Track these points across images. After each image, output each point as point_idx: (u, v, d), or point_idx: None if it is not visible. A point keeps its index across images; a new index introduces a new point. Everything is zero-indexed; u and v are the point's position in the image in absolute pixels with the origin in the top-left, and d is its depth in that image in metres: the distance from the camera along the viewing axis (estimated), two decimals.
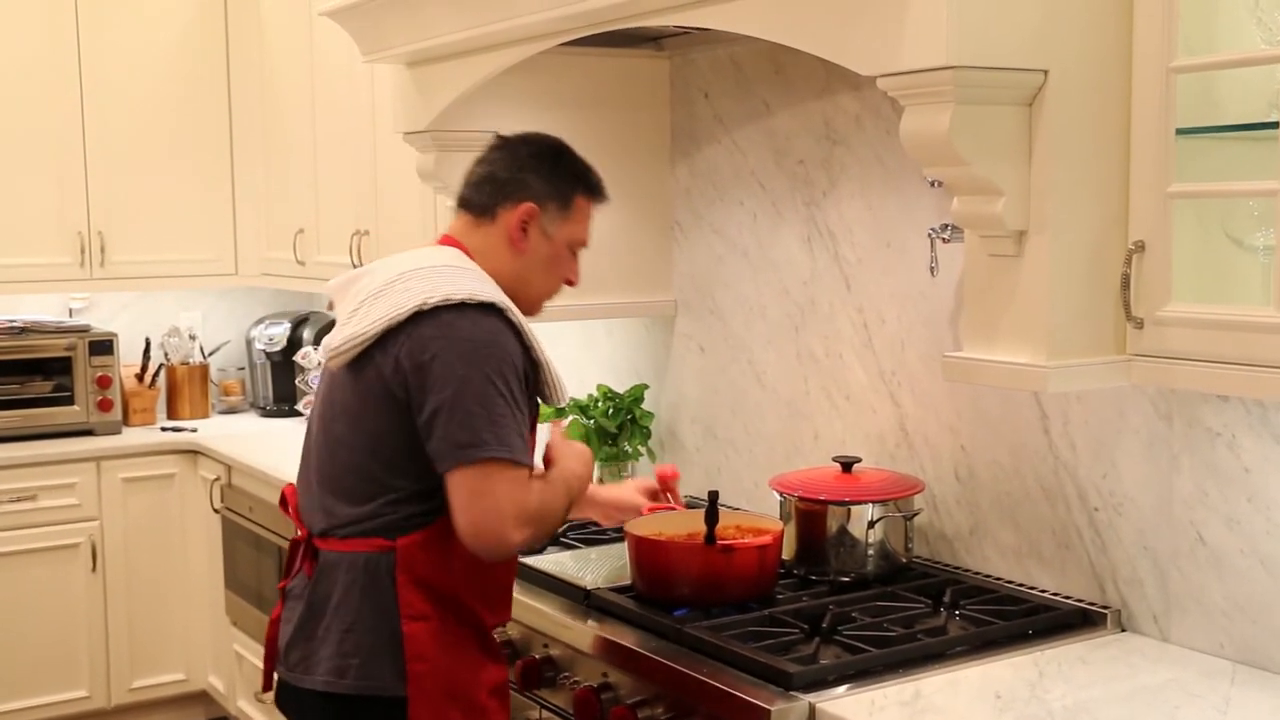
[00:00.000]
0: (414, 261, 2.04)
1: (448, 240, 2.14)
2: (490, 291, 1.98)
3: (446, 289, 1.94)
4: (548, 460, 2.11)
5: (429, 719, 1.98)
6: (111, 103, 4.45)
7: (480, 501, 1.89)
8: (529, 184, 2.11)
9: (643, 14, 2.29)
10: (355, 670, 1.99)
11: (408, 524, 1.98)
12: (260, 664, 3.89)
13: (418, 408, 1.93)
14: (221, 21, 4.61)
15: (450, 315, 1.92)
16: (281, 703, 2.13)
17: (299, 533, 2.12)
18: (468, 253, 2.10)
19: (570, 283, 2.20)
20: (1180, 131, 1.80)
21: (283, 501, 2.20)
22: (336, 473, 2.05)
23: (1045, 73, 1.80)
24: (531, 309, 2.15)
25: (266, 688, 2.17)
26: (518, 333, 1.98)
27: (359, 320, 1.99)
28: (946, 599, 2.28)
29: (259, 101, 4.54)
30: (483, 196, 2.12)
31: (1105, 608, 2.21)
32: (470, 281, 1.97)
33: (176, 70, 4.56)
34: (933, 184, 2.38)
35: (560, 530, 2.21)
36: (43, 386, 4.38)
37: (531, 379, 2.01)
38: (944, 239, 2.33)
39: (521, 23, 2.47)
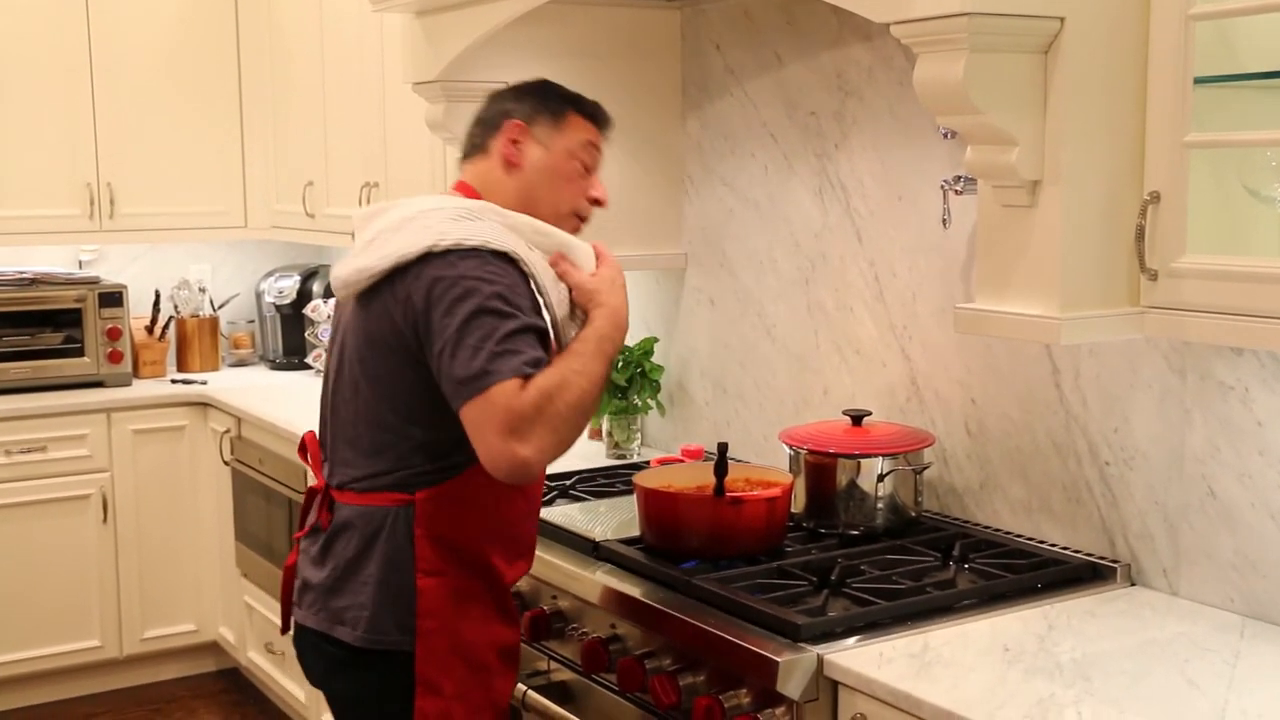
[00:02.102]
0: (437, 202, 2.03)
1: (459, 188, 2.13)
2: (507, 241, 1.95)
3: (460, 233, 1.91)
4: (578, 302, 2.03)
5: (434, 674, 1.99)
6: (120, 54, 4.43)
7: (483, 433, 1.84)
8: (513, 108, 2.11)
9: None
10: (366, 623, 1.99)
11: (426, 478, 1.97)
12: (271, 614, 3.94)
13: (428, 350, 1.91)
14: None
15: (459, 258, 1.90)
16: (299, 645, 2.15)
17: (316, 482, 2.12)
18: (472, 193, 2.09)
19: (597, 202, 2.15)
20: (1198, 80, 1.77)
21: (302, 448, 2.20)
22: (351, 421, 2.04)
23: (1061, 20, 1.78)
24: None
25: (285, 629, 2.18)
26: (528, 280, 1.96)
27: (372, 253, 1.97)
28: (956, 552, 2.27)
29: (268, 53, 4.51)
30: (474, 139, 2.14)
31: (1115, 562, 2.20)
32: (488, 231, 1.95)
33: (185, 22, 4.54)
34: (946, 135, 2.36)
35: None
36: (53, 338, 4.39)
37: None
38: (956, 191, 2.31)
39: None
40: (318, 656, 2.10)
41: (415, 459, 1.97)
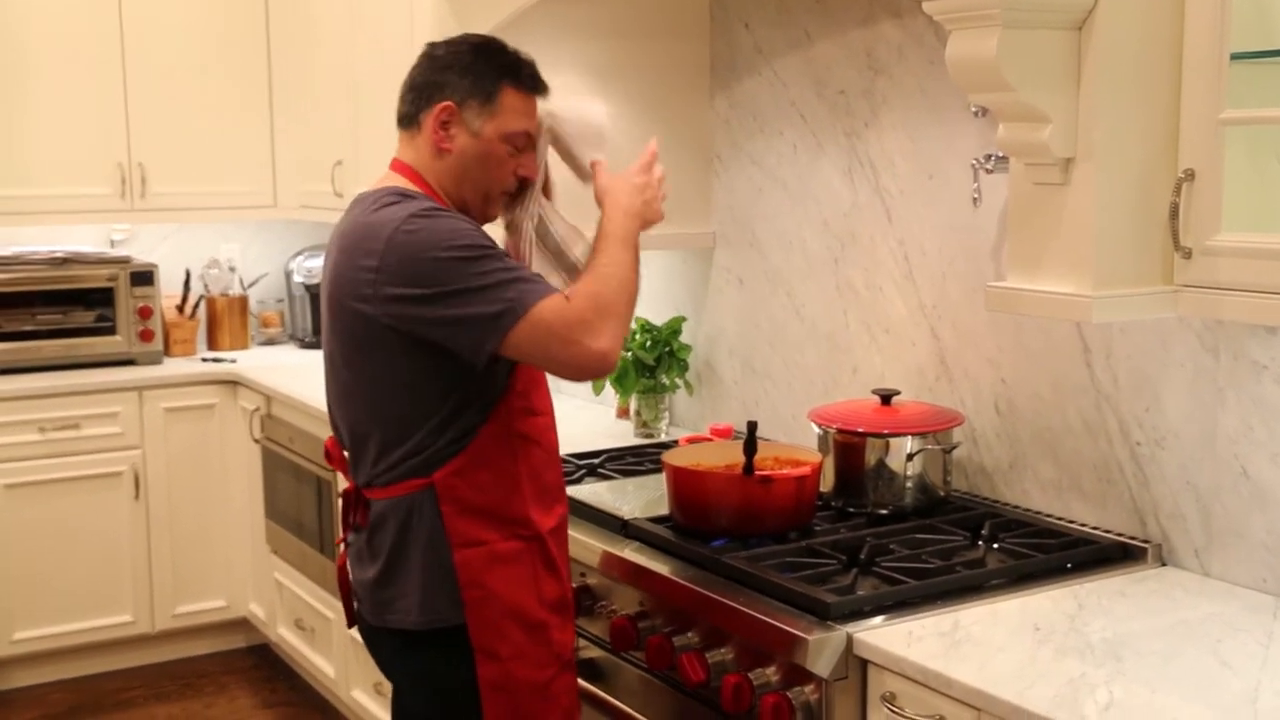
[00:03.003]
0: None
1: (393, 165, 2.10)
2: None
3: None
4: (598, 200, 2.08)
5: (488, 640, 2.01)
6: (151, 34, 4.44)
7: (544, 347, 1.89)
8: (446, 83, 2.04)
9: None
10: (419, 606, 2.01)
11: (440, 457, 1.99)
12: (300, 590, 3.97)
13: (429, 323, 1.91)
14: None
15: (401, 236, 1.91)
16: (369, 644, 2.18)
17: (348, 484, 2.13)
18: (409, 171, 2.06)
19: (526, 178, 2.10)
20: (1234, 56, 1.75)
21: (328, 455, 2.20)
22: (355, 422, 2.06)
23: None
24: (481, 215, 2.09)
25: (350, 624, 2.21)
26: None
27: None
28: (985, 532, 2.27)
29: (297, 33, 4.51)
30: (406, 106, 2.08)
31: (1146, 542, 2.19)
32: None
33: (216, 2, 4.54)
34: (976, 113, 2.35)
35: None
36: (85, 317, 4.42)
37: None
38: (987, 169, 2.29)
39: None
40: (381, 648, 2.14)
41: (427, 440, 1.98)
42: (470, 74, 2.03)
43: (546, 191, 2.15)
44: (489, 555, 2.01)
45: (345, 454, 2.14)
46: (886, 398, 2.47)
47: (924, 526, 2.31)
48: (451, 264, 1.88)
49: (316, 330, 4.82)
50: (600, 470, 2.80)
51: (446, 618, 2.01)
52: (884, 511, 2.38)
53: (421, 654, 2.05)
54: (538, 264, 2.10)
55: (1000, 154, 2.12)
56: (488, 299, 1.87)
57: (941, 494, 2.42)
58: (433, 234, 1.91)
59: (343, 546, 2.18)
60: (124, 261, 4.50)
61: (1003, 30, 1.72)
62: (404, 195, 2.00)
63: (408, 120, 2.09)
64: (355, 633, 2.21)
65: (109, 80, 4.40)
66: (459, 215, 1.99)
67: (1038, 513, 2.38)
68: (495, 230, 2.08)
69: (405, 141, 2.10)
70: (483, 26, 2.81)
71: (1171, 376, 2.14)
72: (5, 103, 4.26)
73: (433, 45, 2.11)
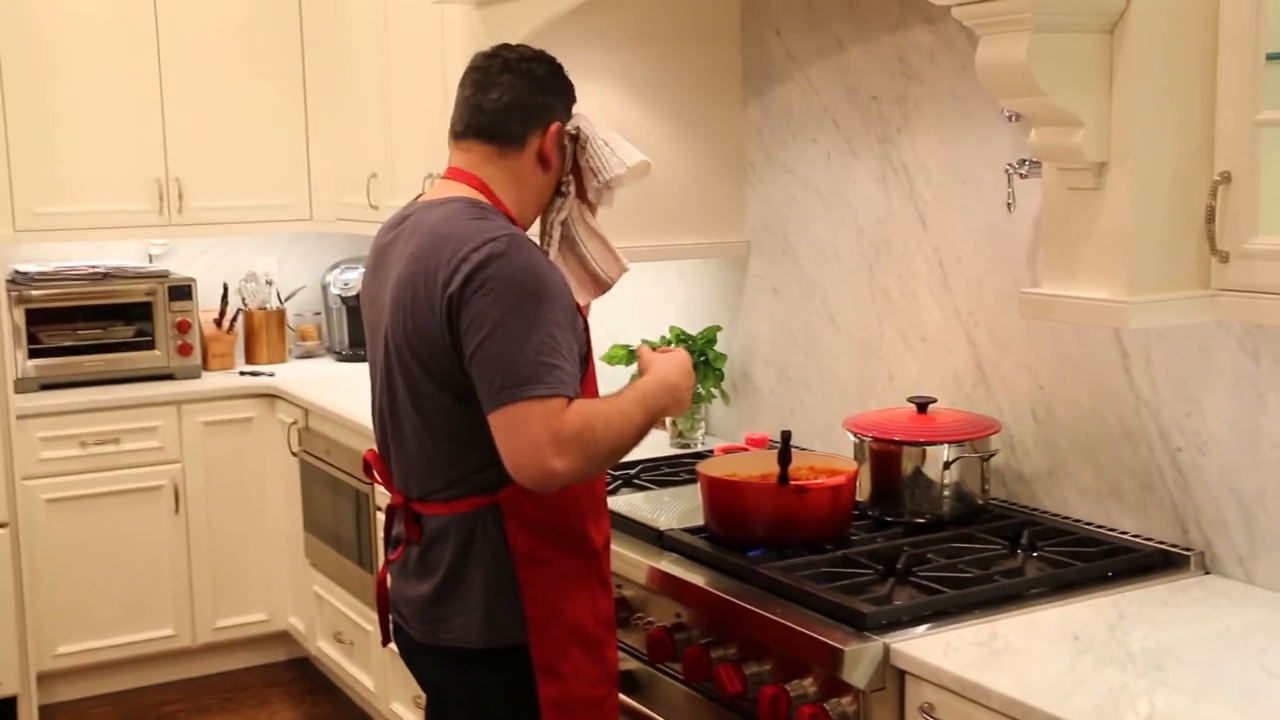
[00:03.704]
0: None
1: (459, 175, 2.07)
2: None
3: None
4: (640, 371, 2.09)
5: (550, 659, 2.00)
6: (187, 51, 4.49)
7: (513, 438, 1.85)
8: (552, 104, 2.08)
9: None
10: (481, 624, 2.00)
11: (506, 476, 1.93)
12: (339, 603, 4.00)
13: (457, 331, 1.91)
14: None
15: (487, 269, 1.89)
16: (412, 661, 2.16)
17: (394, 499, 2.12)
18: (483, 186, 2.05)
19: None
20: (1270, 57, 1.74)
21: (367, 468, 2.18)
22: (415, 437, 2.03)
23: None
24: (528, 223, 2.13)
25: (385, 641, 2.20)
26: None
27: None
28: (1024, 540, 2.25)
29: (331, 47, 4.56)
30: (513, 125, 2.05)
31: (1188, 550, 2.17)
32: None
33: (250, 18, 4.59)
34: (1010, 118, 2.34)
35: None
36: (124, 331, 4.47)
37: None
38: (1021, 174, 2.28)
39: None
40: (432, 666, 2.11)
41: (495, 456, 1.91)
42: (564, 95, 2.11)
43: (580, 194, 2.16)
44: (552, 573, 2.01)
45: (387, 467, 2.13)
46: (923, 405, 2.46)
47: (962, 535, 2.30)
48: (529, 306, 1.87)
49: (353, 343, 4.85)
50: (636, 481, 2.81)
51: (508, 636, 2.00)
52: (921, 520, 2.37)
53: (478, 673, 2.03)
54: (562, 266, 2.11)
55: (1034, 159, 2.11)
56: (502, 367, 1.85)
57: (979, 502, 2.41)
58: (531, 268, 1.90)
59: (386, 561, 2.16)
60: (162, 276, 4.55)
61: (1033, 34, 1.71)
62: (486, 210, 2.00)
63: (510, 138, 2.05)
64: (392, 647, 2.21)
65: (146, 96, 4.45)
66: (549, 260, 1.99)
67: (1077, 520, 2.36)
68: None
69: (486, 156, 2.06)
70: (514, 37, 2.83)
71: (1211, 381, 2.12)
72: (44, 121, 4.32)
73: (505, 59, 2.08)
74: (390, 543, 2.15)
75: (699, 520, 2.39)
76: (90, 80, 4.37)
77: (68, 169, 4.36)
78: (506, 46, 2.11)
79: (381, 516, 2.19)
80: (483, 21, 2.96)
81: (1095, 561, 2.16)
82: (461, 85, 2.10)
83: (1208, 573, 2.15)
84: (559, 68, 2.12)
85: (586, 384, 2.01)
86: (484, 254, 1.88)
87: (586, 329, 2.05)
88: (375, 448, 2.17)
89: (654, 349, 2.15)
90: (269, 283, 4.91)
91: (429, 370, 1.96)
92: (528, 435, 1.84)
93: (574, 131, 2.10)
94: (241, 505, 4.44)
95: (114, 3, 4.38)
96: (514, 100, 2.05)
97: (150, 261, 4.81)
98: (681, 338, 3.23)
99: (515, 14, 2.82)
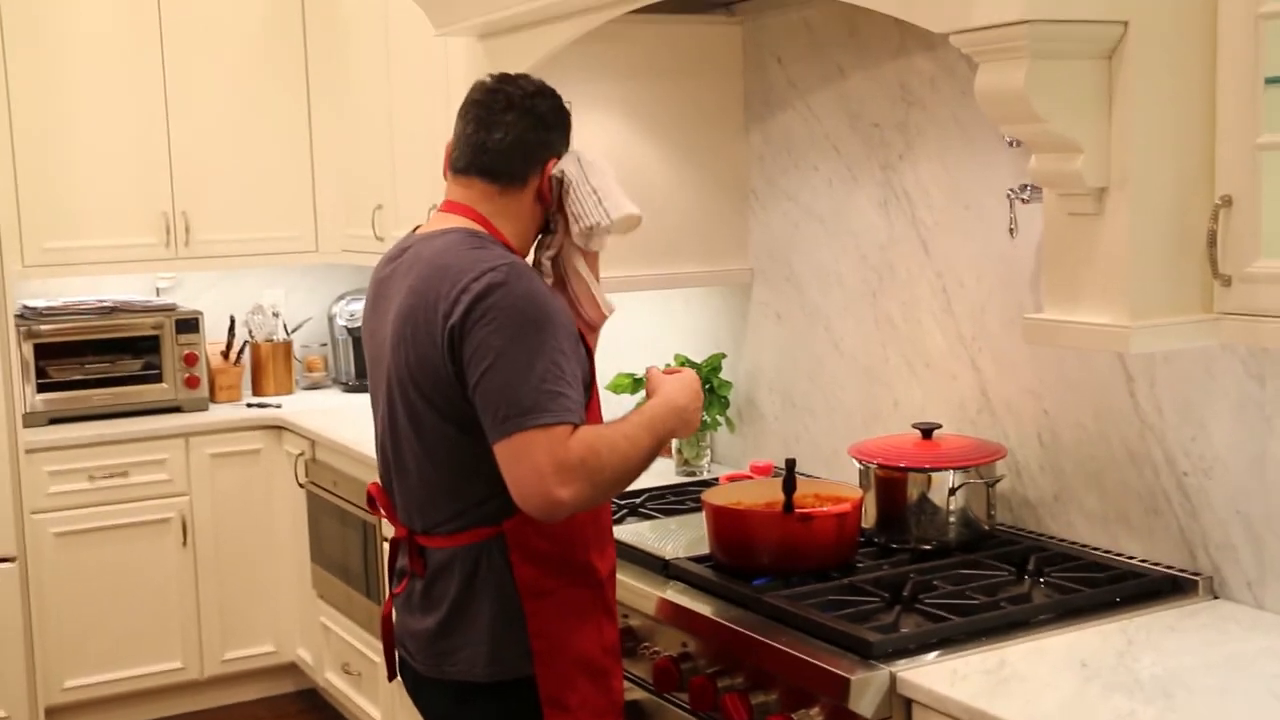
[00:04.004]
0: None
1: (456, 209, 2.07)
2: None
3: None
4: (648, 394, 2.08)
5: (557, 691, 1.99)
6: (192, 84, 4.52)
7: (518, 466, 1.85)
8: (552, 141, 2.07)
9: None
10: (487, 657, 1.99)
11: (512, 504, 1.92)
12: (347, 635, 3.98)
13: (460, 359, 1.90)
14: (299, 1, 4.66)
15: (499, 286, 1.89)
16: (418, 695, 2.15)
17: (397, 531, 2.11)
18: (482, 219, 2.04)
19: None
20: (1269, 80, 1.74)
21: (370, 501, 2.18)
22: (418, 468, 2.02)
23: (1125, 24, 1.75)
24: (526, 251, 2.13)
25: (391, 676, 2.20)
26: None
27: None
28: (1030, 566, 2.24)
29: (335, 80, 4.58)
30: (516, 164, 2.04)
31: (1196, 574, 2.16)
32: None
33: (255, 52, 4.62)
34: (1010, 143, 2.34)
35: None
36: (132, 365, 4.49)
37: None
38: (1023, 200, 2.29)
39: None
40: (438, 701, 2.10)
41: (499, 486, 1.91)
42: (563, 129, 2.10)
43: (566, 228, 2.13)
44: (558, 604, 2.00)
45: (391, 500, 2.12)
46: (928, 431, 2.46)
47: (968, 562, 2.29)
48: (531, 334, 1.87)
49: (360, 374, 4.86)
50: (642, 509, 2.80)
51: (515, 669, 1.99)
52: (927, 547, 2.36)
53: (485, 706, 2.02)
54: None
55: (1035, 184, 2.11)
56: (504, 396, 1.85)
57: (985, 528, 2.40)
58: (532, 296, 1.90)
59: (390, 596, 2.16)
60: (169, 309, 4.57)
61: (1031, 61, 1.72)
62: (484, 239, 2.00)
63: (512, 178, 2.05)
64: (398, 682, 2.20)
65: (152, 131, 4.48)
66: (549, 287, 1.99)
67: (1084, 545, 2.35)
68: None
69: (486, 194, 2.06)
70: (517, 68, 2.82)
71: (1217, 404, 2.11)
72: (52, 157, 4.35)
73: (508, 95, 2.06)
74: (395, 576, 2.15)
75: (705, 549, 2.38)
76: (97, 116, 4.40)
77: (75, 204, 4.39)
78: (508, 79, 2.10)
79: (388, 548, 2.18)
80: (486, 53, 2.97)
81: (1103, 587, 2.15)
82: (463, 117, 2.08)
83: (1216, 598, 2.14)
84: (560, 101, 2.11)
85: (590, 410, 2.00)
86: (484, 284, 1.88)
87: (590, 355, 2.05)
88: (379, 480, 2.17)
89: (663, 371, 2.14)
90: (275, 315, 4.92)
91: (432, 402, 1.96)
92: (533, 464, 1.84)
93: (559, 175, 2.07)
94: (249, 537, 4.44)
95: (120, 39, 4.42)
96: (518, 140, 2.04)
97: (157, 295, 4.82)
98: (686, 365, 3.23)
99: (518, 46, 2.84)
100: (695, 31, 3.07)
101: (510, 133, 2.04)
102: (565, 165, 2.08)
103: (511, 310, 1.87)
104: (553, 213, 2.10)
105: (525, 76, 2.12)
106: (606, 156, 2.15)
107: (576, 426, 1.87)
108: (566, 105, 2.12)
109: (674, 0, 2.45)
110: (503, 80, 2.10)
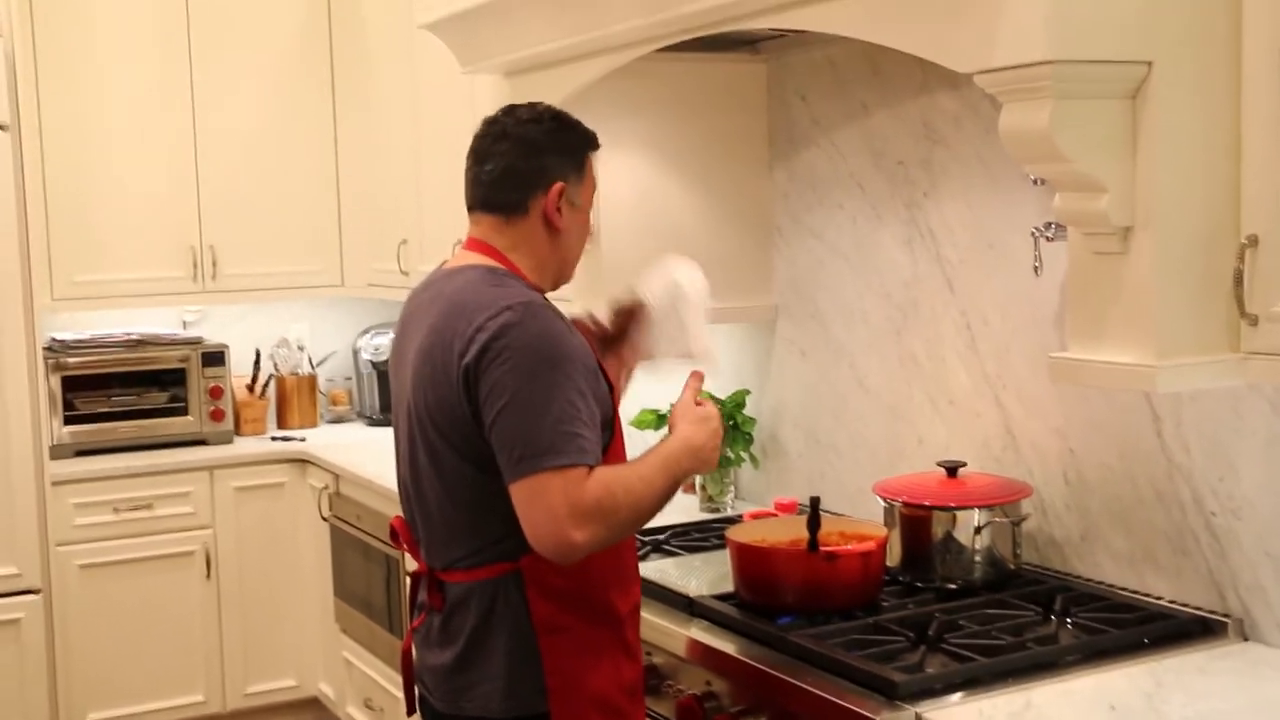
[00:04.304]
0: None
1: (475, 246, 2.08)
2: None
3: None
4: (669, 429, 2.07)
5: None
6: (221, 120, 4.58)
7: (533, 508, 1.86)
8: (550, 165, 2.04)
9: (737, 18, 2.28)
10: (502, 693, 1.99)
11: (527, 544, 1.91)
12: (369, 670, 3.98)
13: (477, 399, 1.90)
14: (326, 38, 4.73)
15: (503, 339, 1.89)
16: None
17: (418, 566, 2.11)
18: (499, 254, 2.05)
19: (593, 234, 2.17)
20: None
21: (394, 535, 2.18)
22: (438, 505, 2.03)
23: (1149, 64, 1.76)
24: (567, 278, 2.14)
25: (410, 711, 2.19)
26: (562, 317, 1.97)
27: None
28: (1057, 607, 2.23)
29: (361, 115, 4.63)
30: (509, 193, 2.05)
31: (1225, 616, 2.14)
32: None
33: (282, 87, 4.68)
34: (1036, 181, 2.34)
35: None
36: (158, 397, 4.52)
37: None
38: (1048, 238, 2.29)
39: (617, 30, 2.48)
40: None
41: (515, 526, 1.91)
42: (566, 151, 2.07)
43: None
44: (573, 641, 1.99)
45: (414, 534, 2.13)
46: (952, 470, 2.45)
47: (994, 601, 2.28)
48: (547, 374, 1.87)
49: (384, 408, 4.88)
50: (666, 546, 2.80)
51: (530, 705, 1.98)
52: (952, 586, 2.35)
53: None
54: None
55: (1060, 222, 2.11)
56: (520, 435, 1.85)
57: (1011, 567, 2.39)
58: (547, 334, 1.90)
59: (410, 630, 2.16)
60: (196, 342, 4.60)
61: (1055, 101, 1.72)
62: (502, 276, 2.00)
63: (511, 206, 2.05)
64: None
65: (181, 165, 4.53)
66: (566, 320, 1.98)
67: (1111, 586, 2.34)
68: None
69: (494, 226, 2.07)
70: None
71: (1245, 444, 2.10)
72: (83, 192, 4.40)
73: (503, 124, 2.07)
74: (414, 609, 2.15)
75: (729, 586, 2.38)
76: (126, 150, 4.45)
77: (104, 239, 4.44)
78: (510, 109, 2.11)
79: (409, 582, 2.18)
80: (513, 91, 3.00)
81: (1130, 628, 2.13)
82: (467, 156, 2.12)
83: (1246, 639, 2.12)
84: (562, 124, 2.09)
85: (613, 449, 2.01)
86: (499, 323, 1.89)
87: (613, 391, 2.05)
88: (402, 514, 2.17)
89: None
90: (300, 348, 4.95)
91: (450, 440, 1.96)
92: (547, 506, 1.84)
93: (643, 298, 2.11)
94: (273, 570, 4.45)
95: (149, 70, 4.47)
96: (507, 169, 2.05)
97: (184, 328, 4.86)
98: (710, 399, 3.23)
99: (543, 83, 2.86)
100: (721, 69, 3.08)
101: (500, 163, 2.05)
102: (652, 288, 2.09)
103: (526, 349, 1.88)
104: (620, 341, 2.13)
105: (531, 105, 2.11)
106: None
107: (592, 468, 1.87)
108: (581, 129, 2.10)
109: (699, 39, 2.46)
110: (504, 111, 2.11)
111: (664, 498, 1.97)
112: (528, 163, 2.05)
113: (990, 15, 1.74)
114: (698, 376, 2.13)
